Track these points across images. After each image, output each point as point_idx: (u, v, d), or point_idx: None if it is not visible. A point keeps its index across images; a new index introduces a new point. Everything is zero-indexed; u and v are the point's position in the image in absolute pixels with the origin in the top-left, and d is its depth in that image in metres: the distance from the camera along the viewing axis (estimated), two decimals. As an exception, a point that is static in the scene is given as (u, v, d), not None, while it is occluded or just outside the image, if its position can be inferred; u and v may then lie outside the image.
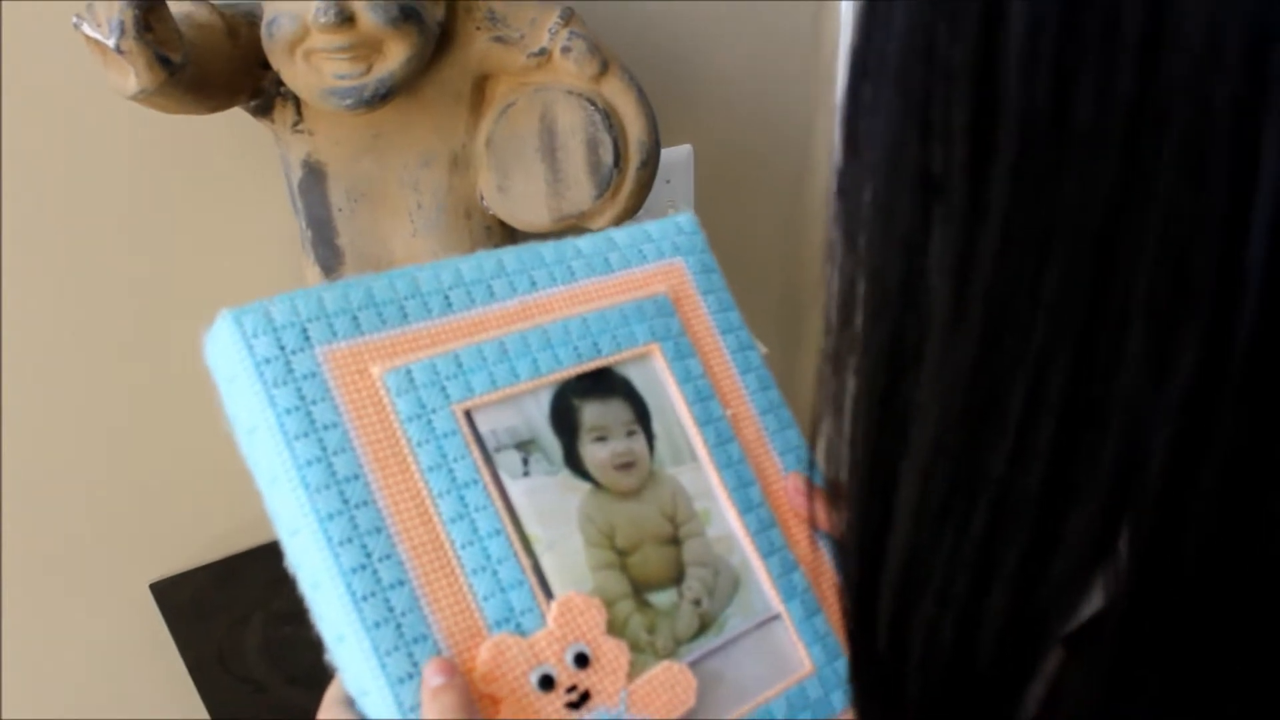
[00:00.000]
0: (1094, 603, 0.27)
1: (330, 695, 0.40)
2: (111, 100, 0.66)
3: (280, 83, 0.64)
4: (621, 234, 0.50)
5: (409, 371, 0.42)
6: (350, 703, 0.39)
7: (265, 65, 0.62)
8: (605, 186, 0.68)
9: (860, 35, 0.26)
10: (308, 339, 0.41)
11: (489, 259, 0.46)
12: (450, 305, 0.44)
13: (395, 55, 0.60)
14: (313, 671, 0.73)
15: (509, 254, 0.47)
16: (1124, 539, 0.25)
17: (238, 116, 0.68)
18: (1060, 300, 0.24)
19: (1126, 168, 0.22)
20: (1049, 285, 0.24)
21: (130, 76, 0.55)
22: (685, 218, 0.52)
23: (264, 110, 0.67)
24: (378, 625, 0.38)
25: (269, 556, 0.84)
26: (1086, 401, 0.24)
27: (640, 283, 0.49)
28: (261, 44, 0.60)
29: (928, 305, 0.26)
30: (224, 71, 0.62)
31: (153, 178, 0.73)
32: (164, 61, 0.55)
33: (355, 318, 0.42)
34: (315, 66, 0.60)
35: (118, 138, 0.71)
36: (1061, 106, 0.22)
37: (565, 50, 0.65)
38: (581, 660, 0.41)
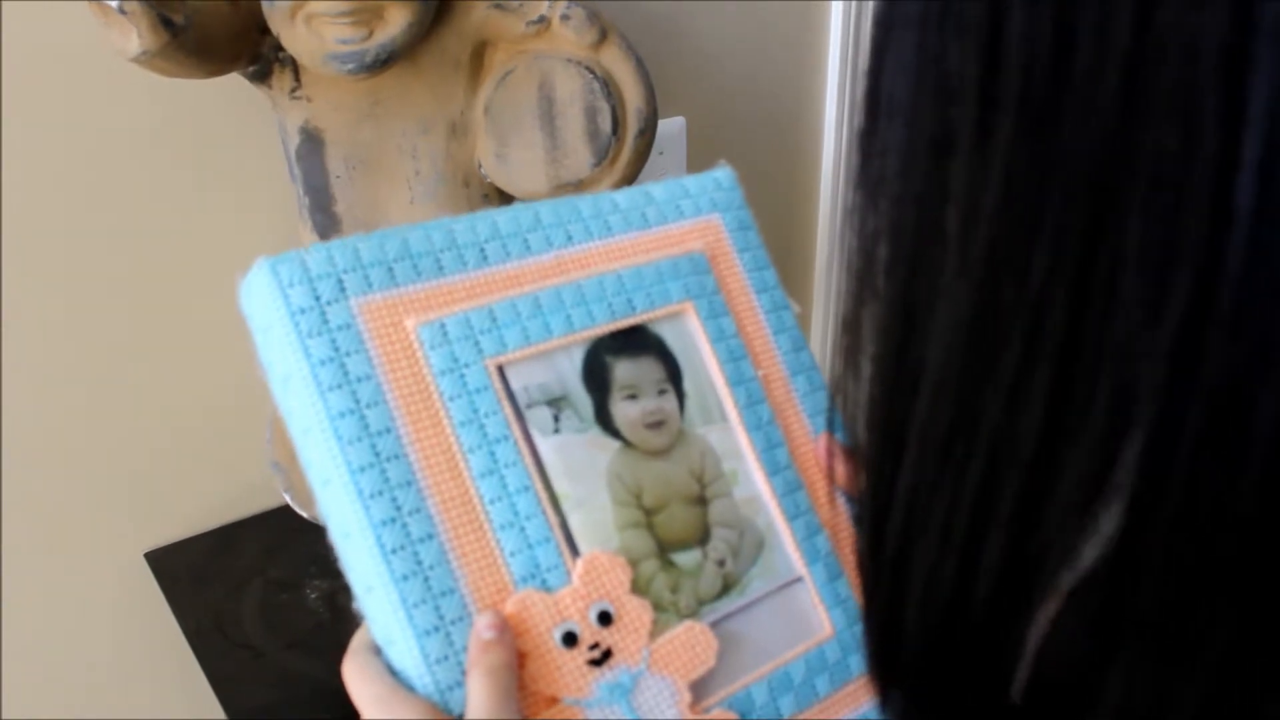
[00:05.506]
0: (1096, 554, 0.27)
1: (357, 641, 0.41)
2: (109, 65, 0.66)
3: (279, 48, 0.63)
4: (659, 189, 0.50)
5: (443, 325, 0.42)
6: (376, 650, 0.40)
7: (264, 30, 0.61)
8: (603, 154, 0.68)
9: (883, 1, 0.27)
10: (343, 290, 0.41)
11: (525, 212, 0.46)
12: (486, 258, 0.44)
13: (397, 21, 0.60)
14: (310, 636, 0.75)
15: (545, 207, 0.46)
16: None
17: (236, 83, 0.67)
18: (1057, 245, 0.24)
19: (1122, 114, 0.23)
20: (1047, 231, 0.24)
21: (133, 38, 0.55)
22: (724, 173, 0.51)
23: (262, 76, 0.66)
24: (405, 578, 0.38)
25: (265, 525, 0.85)
26: (1082, 345, 0.25)
27: (676, 239, 0.49)
28: (261, 8, 0.60)
29: (941, 259, 0.26)
30: (224, 35, 0.61)
31: (149, 144, 0.73)
32: (166, 23, 0.55)
33: (390, 269, 0.42)
34: (316, 31, 0.59)
35: (115, 103, 0.70)
36: (1061, 56, 0.23)
37: (564, 18, 0.65)
38: (605, 618, 0.41)
